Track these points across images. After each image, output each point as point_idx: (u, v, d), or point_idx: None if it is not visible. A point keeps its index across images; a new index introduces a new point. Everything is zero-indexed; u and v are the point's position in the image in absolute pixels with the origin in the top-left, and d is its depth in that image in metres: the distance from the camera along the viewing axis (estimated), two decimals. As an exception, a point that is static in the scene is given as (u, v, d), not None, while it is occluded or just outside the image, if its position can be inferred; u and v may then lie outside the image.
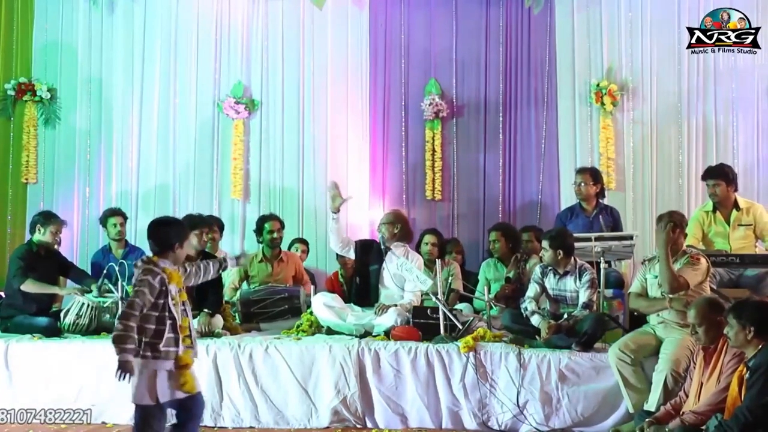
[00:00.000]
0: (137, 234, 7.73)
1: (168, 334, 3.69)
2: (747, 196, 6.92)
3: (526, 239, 6.83)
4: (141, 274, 3.73)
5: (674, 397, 4.44)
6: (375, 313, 5.79)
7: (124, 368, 3.58)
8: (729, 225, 6.12)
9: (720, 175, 6.16)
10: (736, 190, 6.25)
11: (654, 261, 5.15)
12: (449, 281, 6.17)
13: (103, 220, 6.99)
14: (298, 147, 8.02)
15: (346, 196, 6.22)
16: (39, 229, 6.08)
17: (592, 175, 6.74)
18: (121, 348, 3.58)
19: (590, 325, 5.20)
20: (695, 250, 5.14)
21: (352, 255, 6.29)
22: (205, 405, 4.07)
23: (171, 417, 3.96)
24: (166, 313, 3.70)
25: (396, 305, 5.80)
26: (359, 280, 6.21)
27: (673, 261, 5.00)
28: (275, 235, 6.75)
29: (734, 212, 6.14)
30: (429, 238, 6.68)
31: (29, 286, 5.91)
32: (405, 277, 5.91)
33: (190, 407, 3.84)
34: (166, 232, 3.89)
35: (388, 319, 5.65)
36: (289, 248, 7.26)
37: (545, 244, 5.50)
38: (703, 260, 4.96)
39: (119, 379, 3.59)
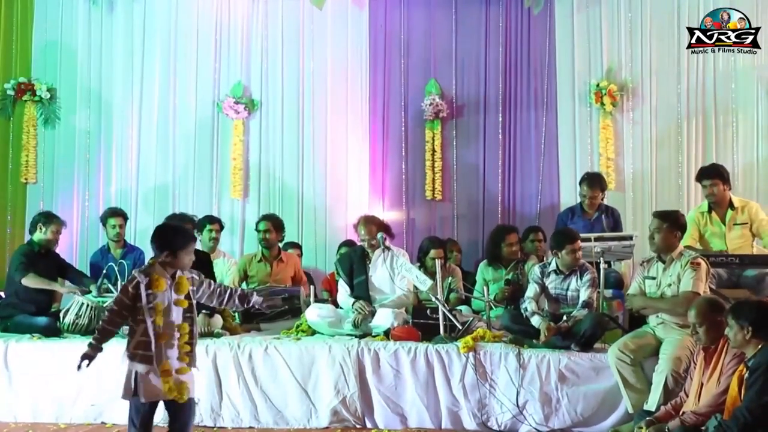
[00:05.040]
0: (137, 234, 7.73)
1: (140, 337, 3.77)
2: (747, 196, 6.96)
3: (531, 239, 6.81)
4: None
5: (674, 398, 4.43)
6: (354, 325, 5.72)
7: (85, 356, 3.79)
8: (725, 225, 6.11)
9: (716, 175, 6.12)
10: (730, 188, 6.22)
11: (651, 262, 5.15)
12: (450, 283, 6.15)
13: (104, 220, 6.99)
14: (297, 147, 8.02)
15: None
16: (41, 228, 6.10)
17: (601, 188, 6.82)
18: (94, 338, 3.81)
19: (590, 326, 5.20)
20: (694, 252, 5.10)
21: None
22: (194, 414, 4.12)
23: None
24: (139, 317, 3.78)
25: (378, 306, 5.78)
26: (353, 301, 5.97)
27: (668, 262, 5.00)
28: (268, 236, 6.77)
29: (729, 212, 6.12)
30: (435, 254, 6.29)
31: (30, 281, 5.92)
32: (406, 278, 5.89)
33: (177, 414, 3.90)
34: (164, 238, 3.94)
35: (386, 320, 5.63)
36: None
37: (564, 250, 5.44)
38: (702, 263, 4.94)
39: (77, 368, 3.77)
